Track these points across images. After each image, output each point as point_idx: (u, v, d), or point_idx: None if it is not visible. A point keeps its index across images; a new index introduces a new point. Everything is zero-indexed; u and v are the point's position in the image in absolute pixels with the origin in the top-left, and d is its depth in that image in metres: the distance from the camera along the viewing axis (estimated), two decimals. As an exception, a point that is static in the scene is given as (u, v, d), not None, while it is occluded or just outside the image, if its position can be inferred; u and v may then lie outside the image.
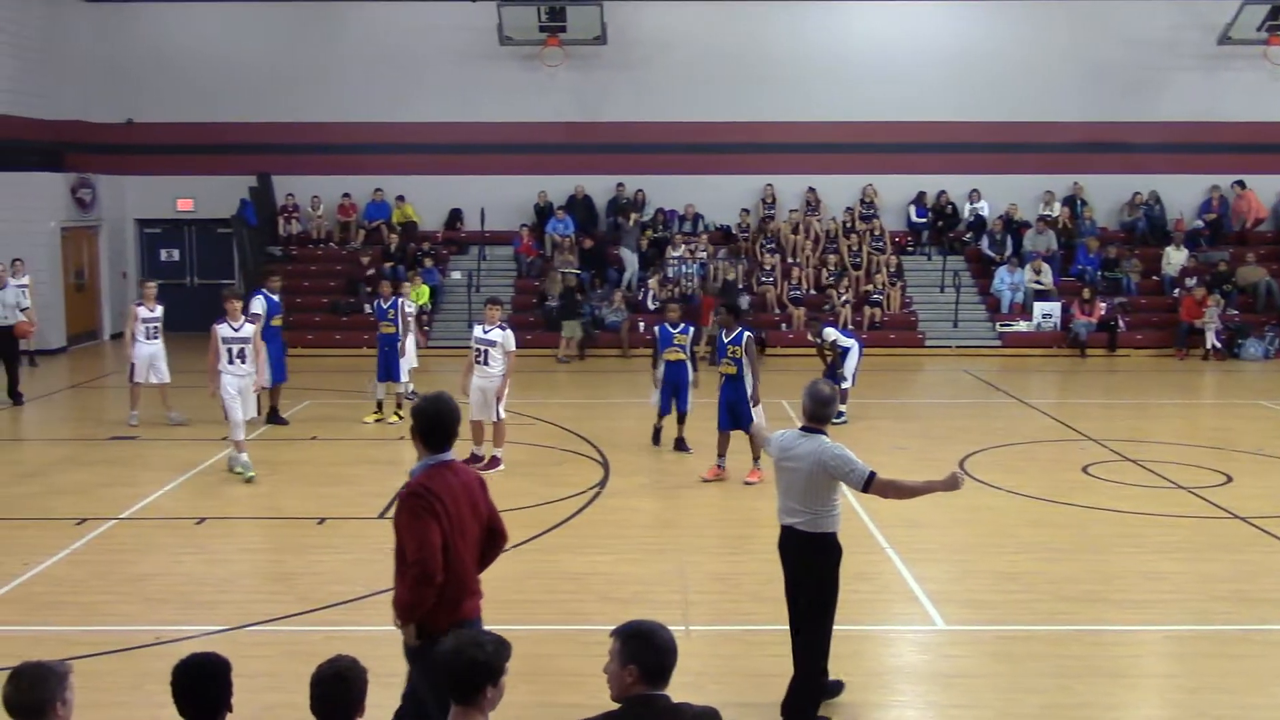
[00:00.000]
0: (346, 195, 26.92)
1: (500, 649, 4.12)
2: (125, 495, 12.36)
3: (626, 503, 12.27)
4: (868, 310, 24.37)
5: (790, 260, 25.80)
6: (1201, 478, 13.25)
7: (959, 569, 10.10)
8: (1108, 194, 27.07)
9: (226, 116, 26.52)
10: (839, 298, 24.25)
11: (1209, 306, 23.55)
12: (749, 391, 12.91)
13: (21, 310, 18.34)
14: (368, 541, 10.33)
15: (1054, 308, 24.49)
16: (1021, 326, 24.52)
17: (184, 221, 27.51)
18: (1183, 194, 26.83)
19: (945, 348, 24.12)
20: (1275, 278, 24.89)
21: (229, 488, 12.85)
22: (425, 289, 24.12)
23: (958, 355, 23.74)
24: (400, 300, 17.00)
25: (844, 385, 15.76)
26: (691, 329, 14.38)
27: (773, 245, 25.92)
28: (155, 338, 16.26)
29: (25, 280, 20.08)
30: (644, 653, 4.09)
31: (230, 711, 4.49)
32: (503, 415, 13.49)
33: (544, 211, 26.63)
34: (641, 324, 23.95)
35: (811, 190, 26.94)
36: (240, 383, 13.08)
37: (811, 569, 6.93)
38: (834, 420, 7.15)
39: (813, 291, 25.06)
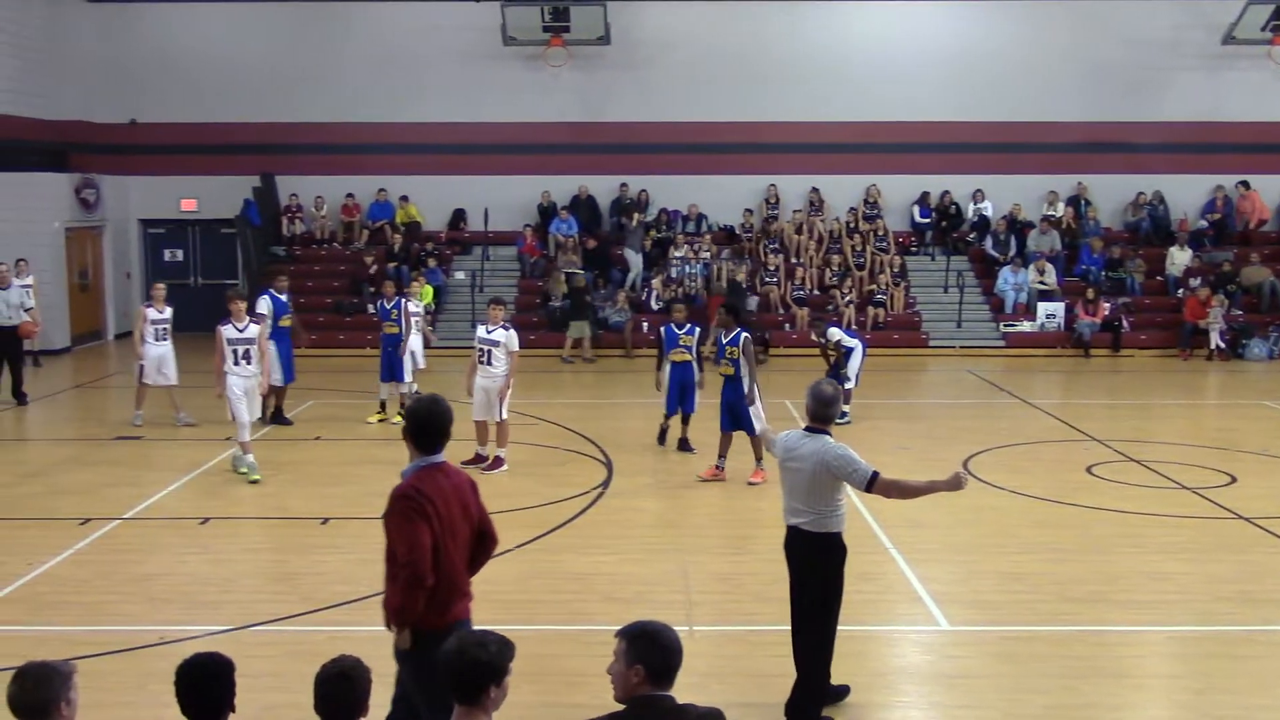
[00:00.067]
0: (350, 195, 26.94)
1: (504, 649, 4.12)
2: (129, 495, 12.37)
3: (630, 503, 12.27)
4: (871, 310, 24.35)
5: (794, 260, 25.79)
6: (1206, 478, 13.23)
7: (963, 569, 10.09)
8: (1111, 194, 27.04)
9: (230, 117, 26.54)
10: (842, 298, 24.24)
11: (1213, 307, 23.52)
12: (745, 392, 12.91)
13: (26, 310, 18.34)
14: (371, 541, 10.25)
15: (1058, 308, 24.47)
16: (1025, 327, 24.50)
17: (188, 222, 27.53)
18: (1187, 194, 26.80)
19: (949, 348, 24.10)
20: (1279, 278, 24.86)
21: (233, 488, 12.85)
22: (429, 289, 24.12)
23: (961, 355, 23.73)
24: (403, 300, 17.01)
25: (847, 385, 15.74)
26: (698, 329, 14.36)
27: (776, 245, 25.91)
28: (164, 339, 16.24)
29: (29, 280, 20.06)
30: (650, 653, 4.08)
31: (233, 711, 4.49)
32: (505, 415, 13.49)
33: (547, 212, 26.63)
34: (645, 324, 23.96)
35: (815, 190, 26.93)
36: (246, 384, 13.07)
37: (816, 569, 6.92)
38: (838, 421, 7.15)
39: (816, 292, 25.05)
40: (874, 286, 25.00)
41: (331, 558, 10.32)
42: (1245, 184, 26.54)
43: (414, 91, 26.55)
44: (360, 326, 23.45)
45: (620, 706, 4.11)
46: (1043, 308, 24.52)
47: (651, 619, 4.25)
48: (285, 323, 16.12)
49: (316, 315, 24.43)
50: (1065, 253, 25.93)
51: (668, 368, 14.12)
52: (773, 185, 26.94)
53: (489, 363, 13.37)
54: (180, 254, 27.75)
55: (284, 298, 16.19)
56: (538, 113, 26.58)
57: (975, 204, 26.87)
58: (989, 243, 26.10)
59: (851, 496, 7.22)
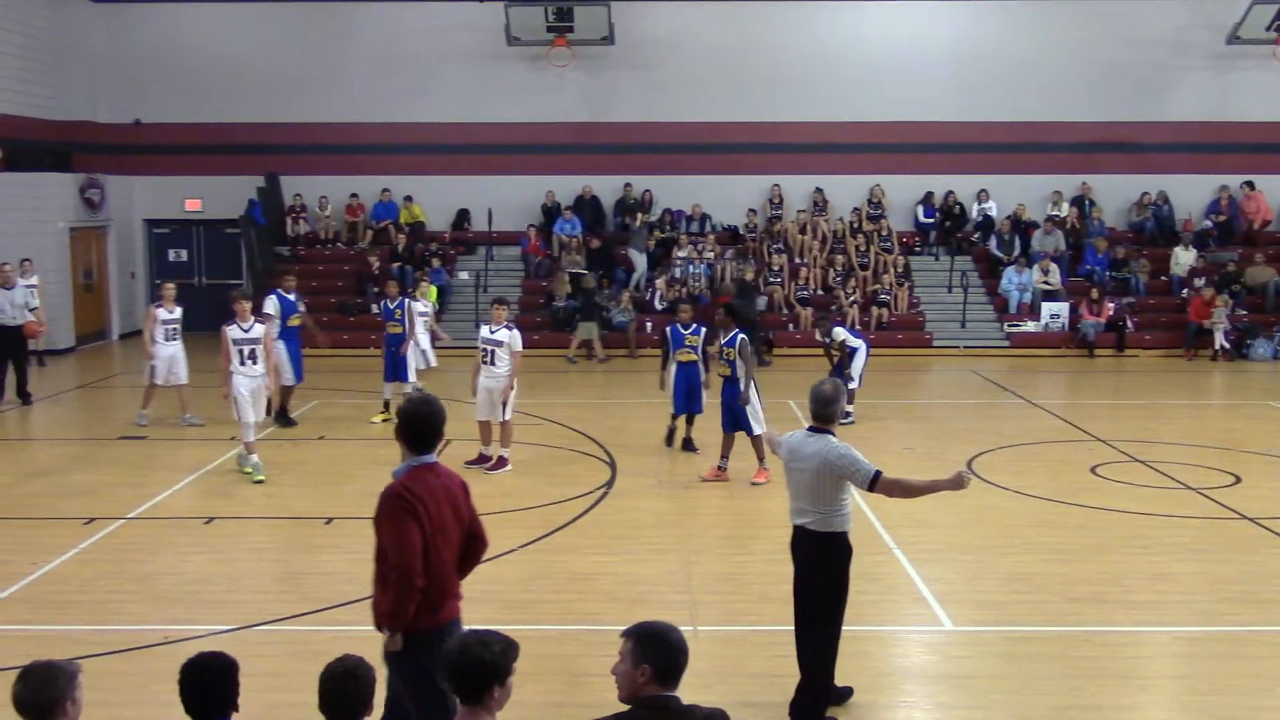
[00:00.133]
0: (354, 195, 26.96)
1: (508, 649, 4.12)
2: (134, 495, 12.39)
3: (634, 503, 12.26)
4: (875, 310, 24.34)
5: (798, 260, 25.79)
6: (1210, 478, 13.22)
7: (967, 570, 10.08)
8: (1116, 194, 27.02)
9: (235, 117, 26.57)
10: (846, 298, 24.23)
11: (1218, 307, 23.48)
12: (747, 393, 12.92)
13: (30, 310, 18.35)
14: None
15: (1062, 308, 24.44)
16: (1029, 327, 24.47)
17: (192, 222, 27.55)
18: (1191, 194, 26.76)
19: (953, 348, 24.09)
20: (1284, 278, 24.83)
21: (237, 487, 12.87)
22: (433, 289, 24.12)
23: (965, 356, 23.71)
24: (406, 300, 17.02)
25: (851, 386, 15.73)
26: (704, 329, 14.35)
27: (780, 246, 25.90)
28: (175, 339, 16.25)
29: (34, 280, 20.10)
30: (657, 653, 4.08)
31: (237, 711, 4.50)
32: (510, 416, 13.50)
33: (551, 212, 26.64)
34: (649, 324, 23.96)
35: (819, 190, 26.92)
36: (252, 384, 13.04)
37: (821, 568, 6.93)
38: (841, 421, 7.15)
39: (820, 292, 25.05)
40: (878, 286, 24.99)
41: (335, 558, 10.32)
42: (1250, 184, 26.50)
43: (418, 91, 26.57)
44: (364, 327, 23.47)
45: (625, 707, 4.10)
46: (1047, 308, 24.49)
47: (657, 619, 4.25)
48: (294, 322, 16.06)
49: (320, 315, 24.33)
50: (1070, 253, 25.90)
51: (673, 368, 14.10)
52: (777, 185, 26.93)
53: (492, 363, 13.38)
54: (185, 254, 27.79)
55: (292, 297, 16.12)
56: (542, 113, 26.59)
57: (979, 204, 26.85)
58: (993, 243, 26.08)
59: (855, 497, 7.21)
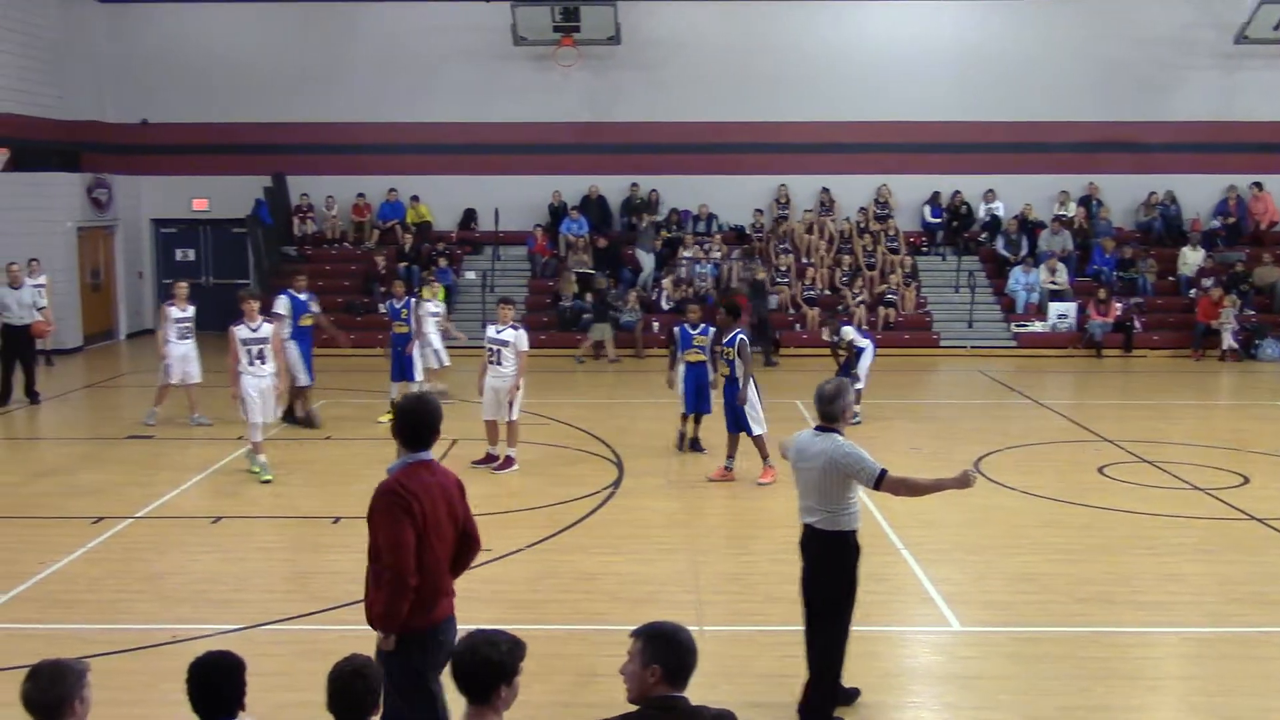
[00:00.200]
0: (361, 195, 27.00)
1: (515, 648, 4.12)
2: (142, 494, 12.41)
3: (640, 503, 12.26)
4: (882, 310, 24.32)
5: (804, 260, 25.77)
6: (1218, 479, 13.19)
7: (974, 570, 10.07)
8: (1123, 194, 26.98)
9: (241, 117, 26.62)
10: (853, 298, 24.22)
11: (1225, 307, 23.44)
12: (744, 392, 12.93)
13: (38, 310, 18.40)
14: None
15: (1069, 308, 24.41)
16: (1037, 327, 24.45)
17: (199, 221, 27.60)
18: (1199, 194, 26.72)
19: (960, 348, 24.06)
20: (1292, 278, 24.78)
21: (245, 487, 12.88)
22: (441, 289, 24.15)
23: (972, 356, 23.68)
24: (413, 300, 17.04)
25: (857, 386, 15.71)
26: (711, 330, 14.33)
27: (786, 246, 25.88)
28: (188, 338, 16.26)
29: (42, 280, 20.16)
30: (667, 653, 4.08)
31: (244, 709, 4.51)
32: (517, 416, 13.50)
33: (558, 211, 26.66)
34: (655, 324, 23.96)
35: (825, 190, 26.91)
36: (260, 384, 13.01)
37: (829, 567, 6.94)
38: (850, 421, 7.15)
39: (827, 292, 25.03)
40: (885, 286, 24.96)
41: (342, 557, 10.31)
42: (1259, 184, 26.44)
43: (425, 91, 26.60)
44: (371, 326, 23.48)
45: (633, 707, 4.10)
46: (1054, 308, 24.46)
47: (664, 619, 4.25)
48: (305, 322, 15.98)
49: (327, 315, 24.42)
50: (1077, 253, 25.86)
51: (681, 368, 14.08)
52: (783, 185, 26.92)
53: (499, 363, 13.39)
54: (192, 254, 27.83)
55: (303, 297, 16.03)
56: (548, 112, 26.60)
57: (986, 204, 26.83)
58: (1000, 243, 26.05)
59: (862, 496, 7.20)
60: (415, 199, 26.88)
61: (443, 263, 25.15)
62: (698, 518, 11.94)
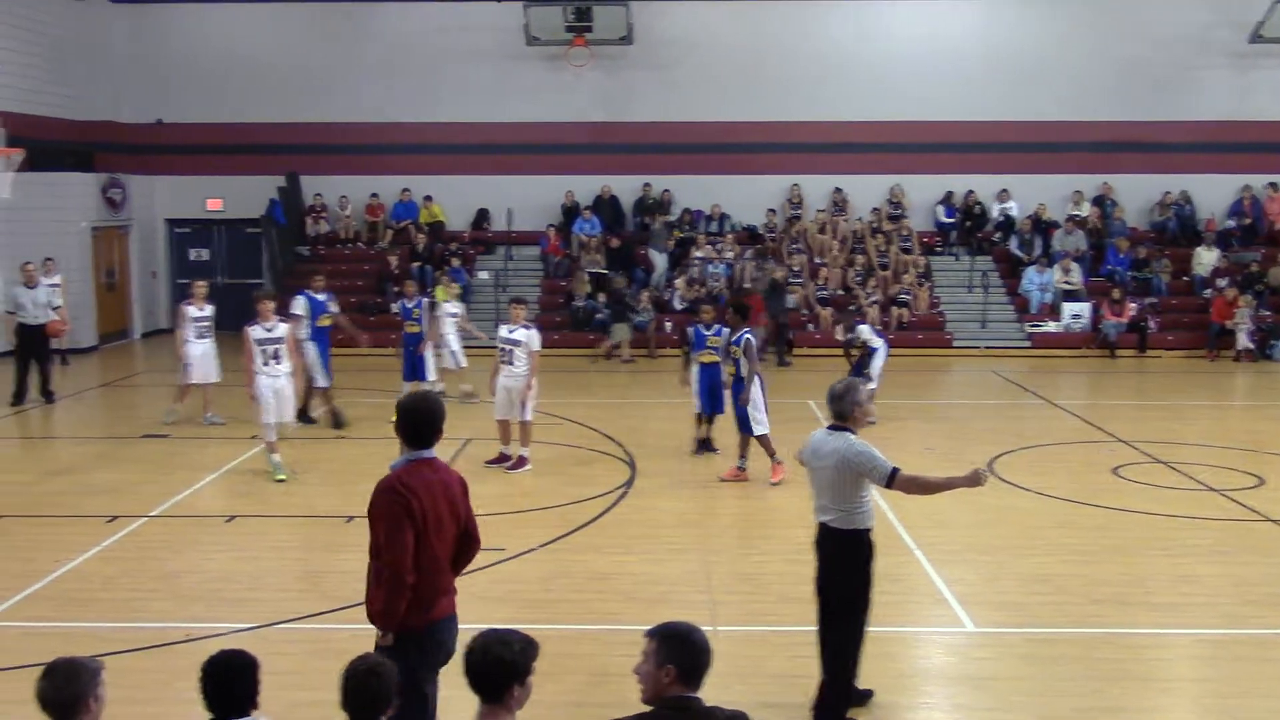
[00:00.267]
0: (374, 195, 27.05)
1: (528, 648, 4.13)
2: (156, 493, 12.45)
3: (653, 502, 12.26)
4: (895, 311, 24.28)
5: (817, 261, 25.74)
6: (1233, 480, 13.13)
7: (988, 571, 10.05)
8: (1138, 194, 26.89)
9: (255, 117, 26.70)
10: (866, 298, 24.17)
11: (1240, 307, 23.35)
12: (748, 392, 12.93)
13: (53, 309, 18.48)
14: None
15: (1083, 308, 24.34)
16: (1050, 327, 24.38)
17: (213, 221, 27.70)
18: (1214, 194, 26.62)
19: (973, 348, 24.01)
20: (1308, 278, 24.67)
21: (259, 486, 12.91)
22: (457, 288, 24.17)
23: (986, 356, 23.63)
24: (425, 300, 17.06)
25: (870, 386, 15.66)
26: (725, 330, 14.31)
27: (799, 246, 25.85)
28: (206, 337, 16.29)
29: (57, 279, 20.26)
30: (682, 653, 4.08)
31: (256, 708, 4.52)
32: (531, 416, 13.50)
33: (571, 211, 26.67)
34: (668, 324, 23.96)
35: (838, 190, 26.88)
36: (275, 383, 13.00)
37: (843, 566, 6.94)
38: (866, 423, 7.15)
39: (840, 292, 24.99)
40: (898, 287, 24.91)
41: (356, 556, 10.18)
42: (1274, 185, 26.32)
43: (437, 92, 26.65)
44: (384, 326, 23.50)
45: (646, 707, 4.10)
46: (1068, 308, 24.39)
47: (678, 619, 4.24)
48: (324, 322, 15.97)
49: (344, 315, 24.52)
50: (1091, 253, 25.79)
51: (695, 369, 14.05)
52: (796, 185, 26.90)
53: (511, 362, 13.41)
54: (206, 253, 27.92)
55: (321, 297, 16.03)
56: (561, 112, 26.63)
57: (1000, 204, 26.76)
58: (1014, 243, 25.98)
59: (876, 497, 7.19)
60: (428, 199, 26.93)
61: (456, 262, 25.17)
62: (710, 518, 11.94)
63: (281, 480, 12.93)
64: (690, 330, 14.39)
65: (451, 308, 18.22)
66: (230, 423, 15.86)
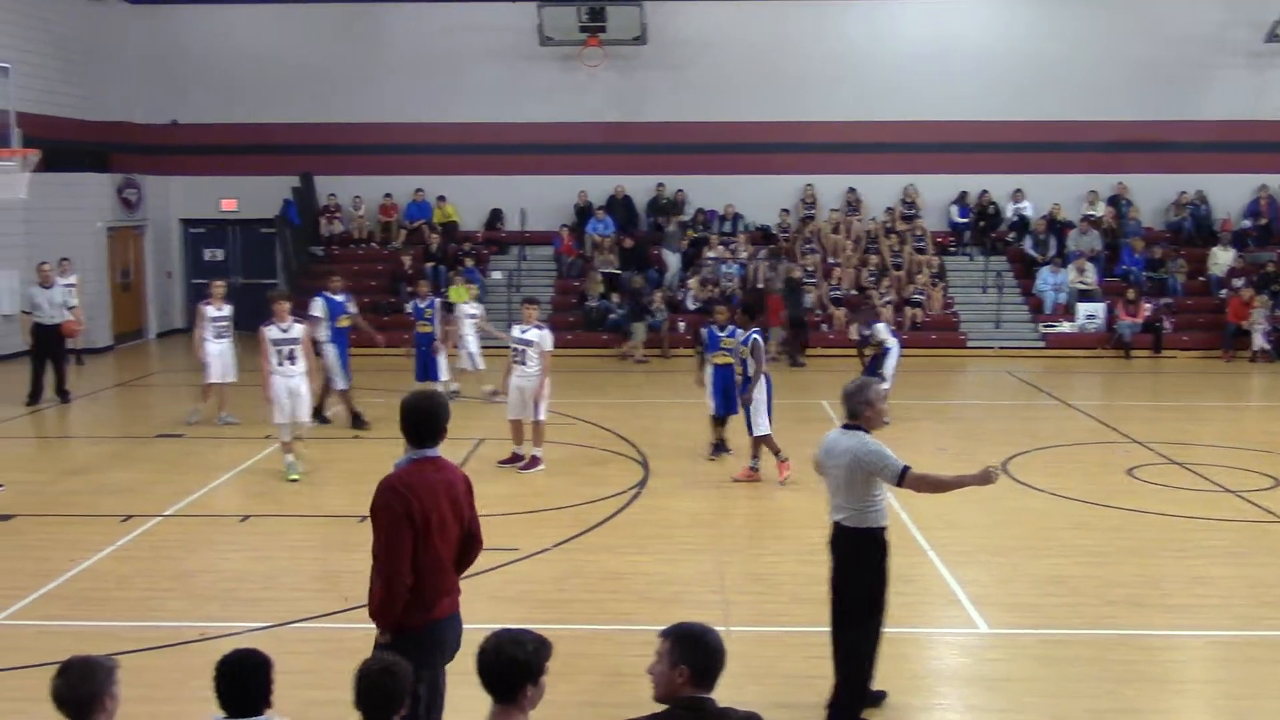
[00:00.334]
0: (388, 195, 27.10)
1: (541, 648, 4.13)
2: (171, 492, 12.49)
3: (666, 502, 12.26)
4: (909, 311, 24.23)
5: (831, 260, 25.70)
6: (1249, 481, 13.07)
7: (1001, 572, 10.02)
8: (1153, 193, 26.79)
9: (269, 117, 26.78)
10: (880, 298, 24.13)
11: (1256, 307, 23.24)
12: (751, 392, 12.92)
13: (69, 309, 18.55)
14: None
15: (1098, 308, 24.26)
16: (1065, 327, 24.30)
17: (228, 221, 27.79)
18: (1229, 193, 26.50)
19: (987, 349, 23.95)
20: (1324, 278, 24.52)
21: (273, 486, 12.95)
22: (466, 289, 24.19)
23: (1000, 356, 23.56)
24: (437, 300, 17.09)
25: (883, 386, 15.58)
26: (738, 331, 14.27)
27: (813, 246, 25.82)
28: (224, 337, 16.34)
29: (72, 279, 20.35)
30: (695, 654, 4.07)
31: (270, 707, 4.53)
32: (544, 415, 13.51)
33: (584, 212, 26.68)
34: (682, 324, 23.95)
35: (852, 190, 26.84)
36: (290, 384, 13.00)
37: (857, 564, 6.94)
38: (882, 424, 7.14)
39: (853, 292, 24.94)
40: (912, 287, 24.86)
41: (369, 556, 10.34)
42: (1290, 184, 26.24)
43: (451, 92, 26.69)
44: (398, 326, 23.53)
45: (660, 707, 4.10)
46: (1083, 308, 24.31)
47: (691, 619, 4.24)
48: (343, 323, 15.96)
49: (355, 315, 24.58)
50: (1106, 253, 25.69)
51: (709, 370, 13.99)
52: (809, 185, 26.87)
53: (523, 362, 13.42)
54: (220, 254, 28.02)
55: (339, 298, 16.04)
56: (574, 113, 26.64)
57: (1014, 203, 26.69)
58: (1028, 243, 25.91)
59: (889, 498, 7.18)
60: (442, 199, 26.97)
61: (469, 263, 25.20)
62: (723, 518, 11.93)
63: (294, 480, 12.96)
64: (704, 331, 14.36)
65: (470, 309, 18.21)
66: (245, 422, 15.90)
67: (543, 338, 13.43)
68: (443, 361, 16.81)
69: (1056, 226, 25.99)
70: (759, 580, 9.81)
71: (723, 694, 4.15)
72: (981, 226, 26.51)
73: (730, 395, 13.90)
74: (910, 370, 18.26)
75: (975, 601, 9.18)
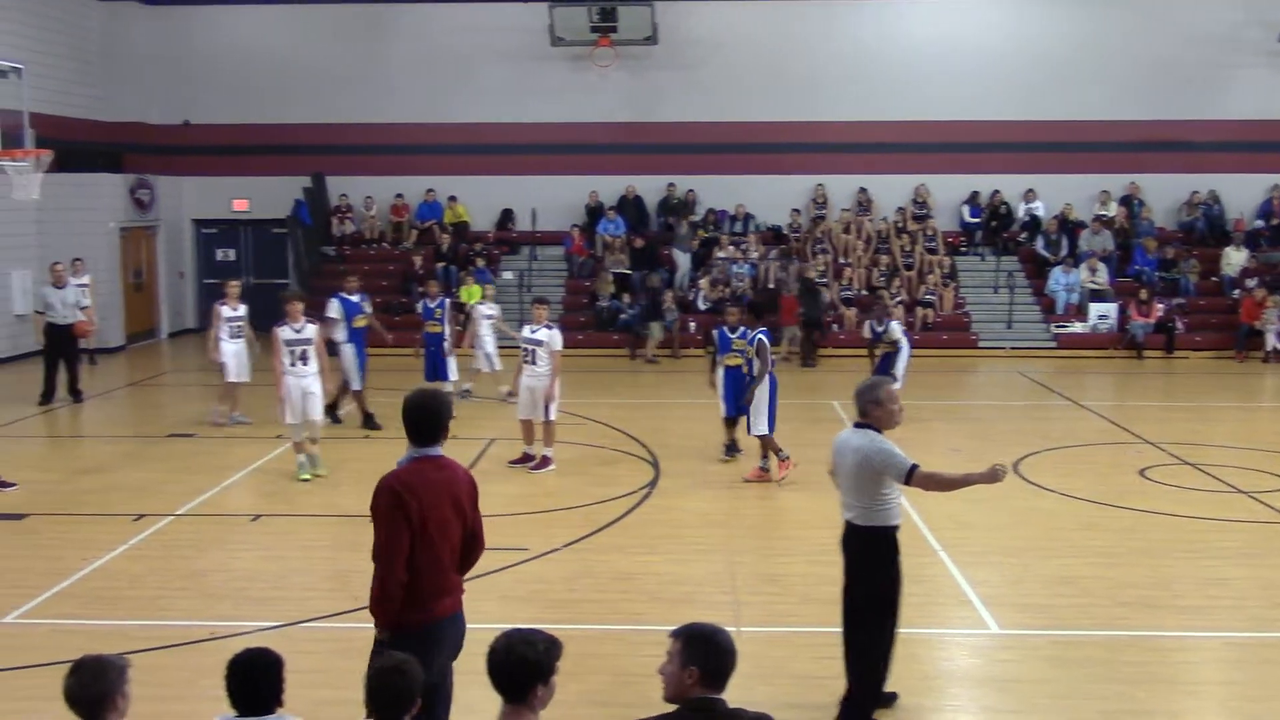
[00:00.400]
0: (399, 195, 27.15)
1: (551, 648, 4.12)
2: (183, 492, 12.53)
3: (677, 502, 12.26)
4: (920, 311, 24.19)
5: (841, 260, 25.67)
6: (1261, 482, 13.01)
7: (1012, 572, 10.00)
8: (1165, 193, 26.70)
9: (281, 118, 26.85)
10: (891, 298, 24.06)
11: (1269, 308, 23.14)
12: (753, 391, 12.90)
13: (81, 309, 18.61)
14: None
15: (1110, 309, 24.18)
16: (1077, 328, 24.23)
17: (239, 221, 27.86)
18: (1242, 193, 26.39)
19: (999, 349, 23.89)
20: (1338, 279, 24.42)
21: (284, 485, 12.98)
22: (477, 289, 24.23)
23: (1012, 357, 23.51)
24: (447, 301, 17.10)
25: (894, 386, 15.53)
26: (748, 332, 14.24)
27: (824, 246, 25.79)
28: (239, 337, 16.38)
29: (85, 280, 20.40)
30: (705, 655, 4.07)
31: (281, 706, 4.54)
32: (554, 416, 13.51)
33: (595, 212, 26.69)
34: (692, 324, 23.95)
35: (863, 190, 26.80)
36: (303, 384, 13.00)
37: (866, 563, 6.95)
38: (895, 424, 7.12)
39: (864, 292, 24.90)
40: (923, 287, 24.82)
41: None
42: (1303, 184, 26.13)
43: (462, 92, 26.72)
44: (409, 326, 23.57)
45: (671, 707, 4.10)
46: (1095, 308, 24.24)
47: (702, 620, 4.24)
48: (360, 323, 15.99)
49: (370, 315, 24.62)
50: (1118, 253, 25.62)
51: (721, 372, 13.94)
52: (820, 185, 26.84)
53: (533, 362, 13.43)
54: (232, 254, 28.09)
55: (355, 299, 16.08)
56: (585, 113, 26.65)
57: (1026, 203, 26.62)
58: (1040, 243, 25.85)
59: (902, 499, 7.16)
60: (453, 199, 27.00)
61: (480, 263, 25.23)
62: (734, 518, 11.92)
63: (305, 480, 12.99)
64: (715, 333, 14.34)
65: (487, 309, 18.19)
66: (256, 422, 15.94)
67: (552, 338, 13.43)
68: (452, 362, 16.82)
69: (1068, 226, 25.92)
70: (770, 581, 9.80)
71: (733, 694, 4.15)
72: (993, 226, 26.45)
73: (741, 396, 13.88)
74: (921, 370, 18.23)
75: (986, 602, 9.16)
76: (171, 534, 11.13)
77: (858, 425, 7.00)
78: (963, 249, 26.49)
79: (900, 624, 7.09)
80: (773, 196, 26.68)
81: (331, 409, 16.00)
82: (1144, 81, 26.05)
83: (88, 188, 23.87)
